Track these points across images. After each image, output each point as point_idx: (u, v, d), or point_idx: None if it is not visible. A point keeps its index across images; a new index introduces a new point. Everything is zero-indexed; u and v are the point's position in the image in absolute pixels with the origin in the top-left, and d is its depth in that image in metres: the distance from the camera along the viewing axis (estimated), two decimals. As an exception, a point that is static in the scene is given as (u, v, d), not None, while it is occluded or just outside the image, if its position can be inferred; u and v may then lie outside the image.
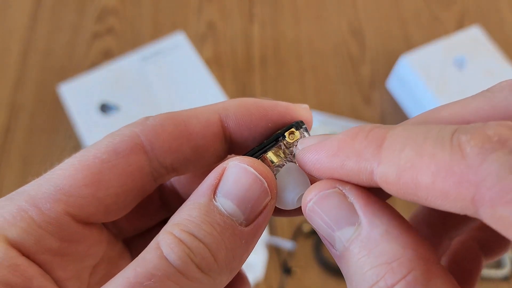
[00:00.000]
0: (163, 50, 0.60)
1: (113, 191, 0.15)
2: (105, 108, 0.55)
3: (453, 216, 0.18)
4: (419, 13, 0.72)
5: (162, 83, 0.57)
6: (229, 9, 0.71)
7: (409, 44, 0.68)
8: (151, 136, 0.16)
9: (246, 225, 0.14)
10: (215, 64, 0.65)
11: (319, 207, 0.14)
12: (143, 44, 0.65)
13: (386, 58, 0.67)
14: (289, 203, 0.16)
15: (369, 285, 0.13)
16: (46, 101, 0.61)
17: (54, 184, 0.15)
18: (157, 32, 0.68)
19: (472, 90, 0.66)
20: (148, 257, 0.13)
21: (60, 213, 0.15)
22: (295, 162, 0.16)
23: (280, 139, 0.16)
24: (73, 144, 0.58)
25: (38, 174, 0.17)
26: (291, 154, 0.16)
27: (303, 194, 0.15)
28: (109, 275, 0.18)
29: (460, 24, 0.71)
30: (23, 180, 0.55)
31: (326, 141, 0.15)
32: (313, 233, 0.54)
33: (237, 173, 0.14)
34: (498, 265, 0.52)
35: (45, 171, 0.16)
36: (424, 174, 0.12)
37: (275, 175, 0.16)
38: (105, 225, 0.18)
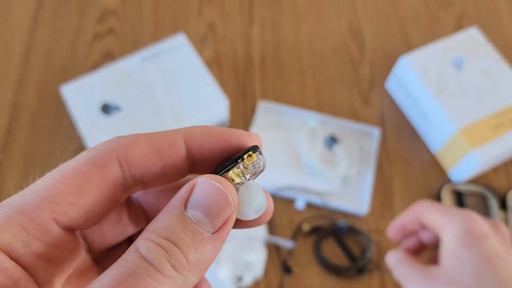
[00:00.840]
0: (164, 51, 0.60)
1: (92, 199, 0.17)
2: (106, 108, 0.56)
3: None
4: (418, 14, 0.72)
5: (162, 84, 0.58)
6: (229, 11, 0.71)
7: (408, 45, 0.69)
8: (125, 151, 0.18)
9: (213, 233, 0.17)
10: (215, 64, 0.66)
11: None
12: (143, 45, 0.65)
13: (386, 59, 0.68)
14: (249, 215, 0.18)
15: None
16: (47, 101, 0.62)
17: (39, 194, 0.17)
18: (158, 33, 0.68)
19: (471, 91, 0.66)
20: (129, 259, 0.15)
21: (46, 219, 0.16)
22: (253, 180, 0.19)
23: (239, 161, 0.19)
24: (75, 144, 0.58)
25: (40, 174, 0.18)
26: (248, 174, 0.19)
27: (261, 207, 0.18)
28: (79, 286, 0.20)
29: (459, 25, 0.71)
30: (25, 180, 0.55)
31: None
32: (312, 232, 0.55)
33: (206, 188, 0.17)
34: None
35: (44, 174, 0.17)
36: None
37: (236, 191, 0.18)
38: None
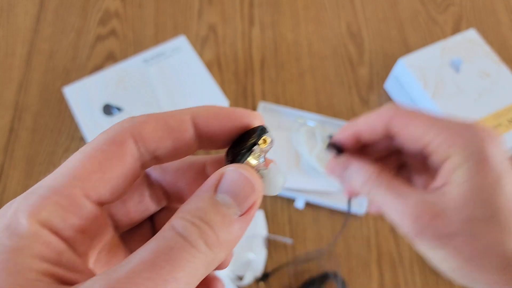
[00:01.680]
0: (165, 52, 0.61)
1: (115, 174, 0.19)
2: (108, 109, 0.56)
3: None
4: (417, 16, 0.73)
5: (163, 85, 0.58)
6: (229, 13, 0.72)
7: (407, 47, 0.69)
8: (139, 130, 0.20)
9: (240, 215, 0.19)
10: (215, 66, 0.66)
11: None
12: (145, 47, 0.66)
13: (384, 60, 0.68)
14: (273, 193, 0.21)
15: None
16: (49, 102, 0.62)
17: (68, 174, 0.18)
18: (159, 35, 0.69)
19: (468, 92, 0.66)
20: (166, 235, 0.17)
21: (79, 196, 0.18)
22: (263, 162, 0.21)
23: (255, 146, 0.21)
24: (77, 145, 0.59)
25: (43, 173, 0.19)
26: (262, 154, 0.21)
27: (283, 185, 0.21)
28: (110, 264, 0.22)
29: (457, 27, 0.72)
30: (28, 180, 0.56)
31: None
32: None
33: (234, 176, 0.19)
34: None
35: (46, 174, 0.19)
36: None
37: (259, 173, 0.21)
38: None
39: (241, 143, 0.21)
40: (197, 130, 0.21)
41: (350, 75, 0.67)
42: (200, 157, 0.24)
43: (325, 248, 0.54)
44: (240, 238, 0.19)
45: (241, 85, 0.65)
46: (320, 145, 0.60)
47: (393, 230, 0.56)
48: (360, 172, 0.31)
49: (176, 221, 0.17)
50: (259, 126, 0.22)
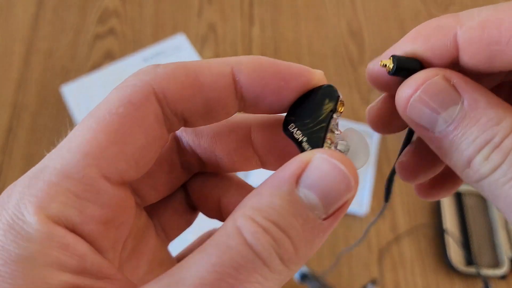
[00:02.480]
0: (164, 51, 0.60)
1: (139, 143, 0.15)
2: (107, 108, 0.56)
3: None
4: (418, 14, 0.72)
5: (163, 84, 0.58)
6: (229, 11, 0.71)
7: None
8: (163, 85, 0.15)
9: (325, 219, 0.14)
10: (215, 65, 0.66)
11: (425, 94, 0.16)
12: (144, 46, 0.66)
13: (385, 60, 0.68)
14: (358, 167, 0.17)
15: (480, 146, 0.15)
16: (48, 101, 0.62)
17: (79, 151, 0.14)
18: (158, 33, 0.68)
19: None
20: (231, 244, 0.13)
21: (95, 178, 0.14)
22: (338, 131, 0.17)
23: (334, 115, 0.16)
24: (75, 144, 0.59)
25: None
26: (337, 123, 0.17)
27: (369, 157, 0.17)
28: (136, 250, 0.18)
29: (459, 26, 0.71)
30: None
31: (406, 34, 0.18)
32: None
33: (325, 168, 0.14)
34: (496, 264, 0.53)
35: (55, 144, 0.16)
36: (507, 21, 0.14)
37: (340, 150, 0.17)
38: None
39: (306, 110, 0.17)
40: (238, 88, 0.16)
41: (351, 74, 0.67)
42: (244, 118, 0.19)
43: (344, 250, 0.54)
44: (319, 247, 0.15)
45: (241, 84, 0.65)
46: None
47: (394, 230, 0.56)
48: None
49: (244, 223, 0.13)
50: (324, 86, 0.17)
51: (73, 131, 0.15)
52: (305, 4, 0.73)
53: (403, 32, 0.70)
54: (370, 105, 0.21)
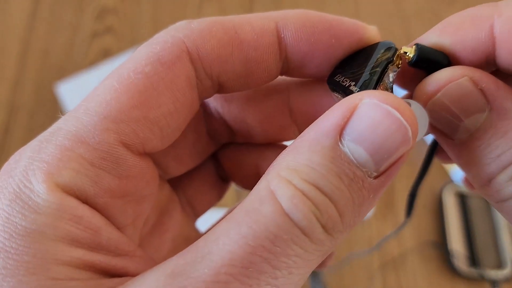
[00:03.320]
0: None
1: (166, 109, 0.13)
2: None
3: None
4: (421, 10, 0.71)
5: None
6: (229, 8, 0.70)
7: (411, 42, 0.68)
8: (198, 42, 0.13)
9: (376, 177, 0.12)
10: (215, 63, 0.65)
11: (447, 98, 0.13)
12: (142, 43, 0.65)
13: (387, 57, 0.67)
14: (418, 137, 0.14)
15: (505, 164, 0.13)
16: (45, 100, 0.61)
17: (97, 112, 0.12)
18: (157, 30, 0.67)
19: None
20: (264, 211, 0.11)
21: (113, 145, 0.12)
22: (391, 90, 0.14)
23: (389, 65, 0.14)
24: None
25: None
26: (392, 80, 0.15)
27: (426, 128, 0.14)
28: (159, 224, 0.16)
29: (463, 22, 0.70)
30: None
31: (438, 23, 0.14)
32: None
33: (376, 115, 0.11)
34: (500, 265, 0.52)
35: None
36: None
37: None
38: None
39: (357, 62, 0.14)
40: (283, 46, 0.14)
41: (352, 72, 0.66)
42: (281, 81, 0.17)
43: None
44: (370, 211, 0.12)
45: (240, 82, 0.64)
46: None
47: (396, 231, 0.55)
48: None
49: (278, 186, 0.11)
50: (380, 42, 0.15)
51: (93, 90, 0.13)
52: (306, 0, 0.72)
53: (405, 29, 0.69)
54: None
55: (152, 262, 0.13)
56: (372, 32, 0.15)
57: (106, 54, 0.65)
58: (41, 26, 0.67)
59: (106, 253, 0.12)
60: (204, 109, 0.17)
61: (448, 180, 0.58)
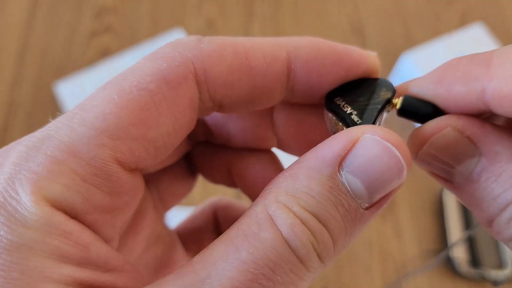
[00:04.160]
0: (162, 48, 0.59)
1: (165, 129, 0.13)
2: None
3: None
4: (421, 10, 0.71)
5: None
6: (229, 6, 0.70)
7: (411, 42, 0.68)
8: (207, 64, 0.13)
9: (367, 208, 0.12)
10: (214, 62, 0.65)
11: (434, 149, 0.14)
12: (141, 42, 0.65)
13: (388, 56, 0.66)
14: None
15: (503, 206, 0.13)
16: (43, 99, 0.61)
17: (93, 125, 0.12)
18: (156, 29, 0.67)
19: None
20: (264, 238, 0.11)
21: (107, 161, 0.12)
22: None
23: (386, 105, 0.15)
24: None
25: None
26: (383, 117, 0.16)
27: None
28: (134, 224, 0.16)
29: (463, 22, 0.70)
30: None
31: (430, 71, 0.15)
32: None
33: (375, 150, 0.12)
34: (500, 266, 0.52)
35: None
36: None
37: None
38: None
39: (357, 91, 0.15)
40: (292, 76, 0.14)
41: (352, 71, 0.66)
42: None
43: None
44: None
45: (240, 81, 0.64)
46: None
47: (395, 232, 0.55)
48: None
49: (278, 212, 0.11)
50: (381, 78, 0.15)
51: (89, 98, 0.12)
52: (306, 0, 0.72)
53: (405, 28, 0.69)
54: None
55: (141, 276, 0.13)
56: (375, 62, 0.16)
57: (105, 53, 0.65)
58: (40, 25, 0.67)
59: (95, 268, 0.12)
60: None
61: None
